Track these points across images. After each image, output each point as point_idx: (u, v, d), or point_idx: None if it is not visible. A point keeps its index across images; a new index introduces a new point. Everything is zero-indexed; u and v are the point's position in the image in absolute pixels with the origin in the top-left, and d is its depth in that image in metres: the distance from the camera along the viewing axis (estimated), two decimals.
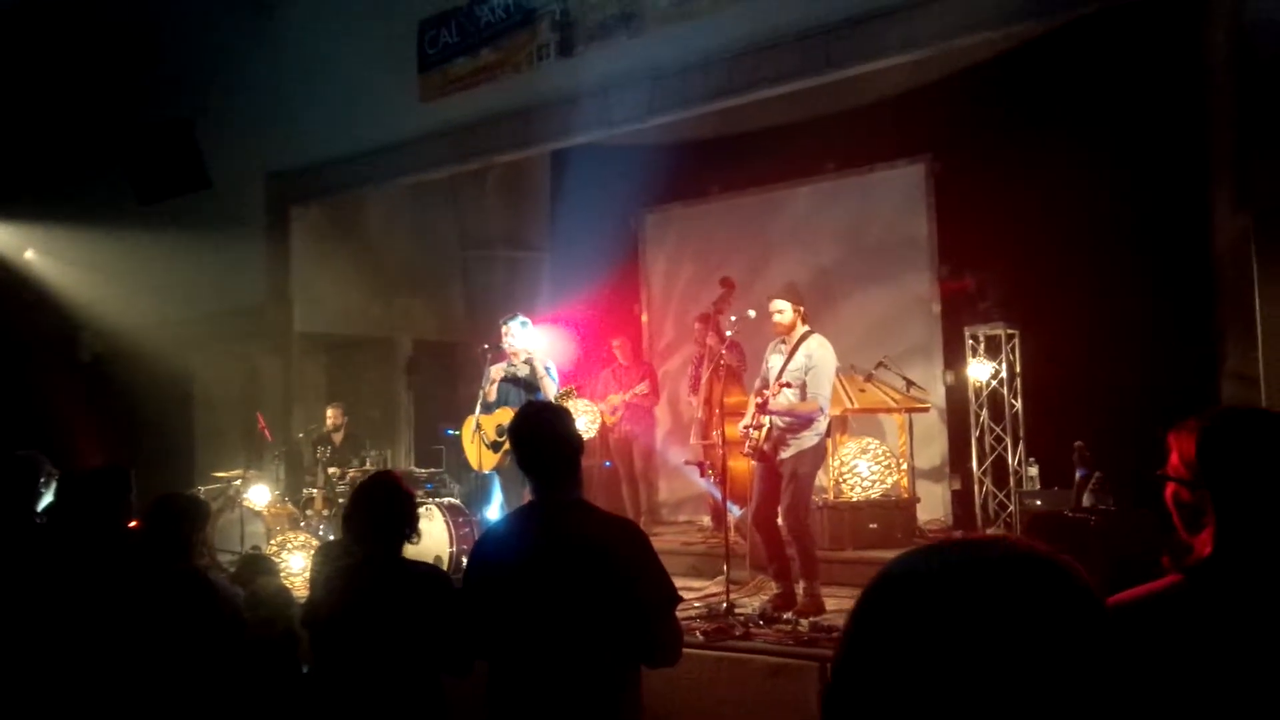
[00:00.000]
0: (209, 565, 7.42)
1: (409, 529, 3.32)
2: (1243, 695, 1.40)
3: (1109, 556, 4.41)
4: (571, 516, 2.73)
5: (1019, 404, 7.40)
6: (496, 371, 6.87)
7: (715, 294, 7.89)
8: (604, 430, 8.54)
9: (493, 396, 6.81)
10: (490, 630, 2.73)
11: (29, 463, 4.24)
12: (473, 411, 6.93)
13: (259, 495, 8.20)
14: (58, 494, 4.33)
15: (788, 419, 5.60)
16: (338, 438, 8.82)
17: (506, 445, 6.62)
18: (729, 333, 6.46)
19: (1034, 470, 6.98)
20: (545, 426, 2.82)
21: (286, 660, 4.18)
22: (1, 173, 10.62)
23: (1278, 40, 5.61)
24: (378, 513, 3.24)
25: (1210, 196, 6.83)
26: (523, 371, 6.78)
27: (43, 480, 4.28)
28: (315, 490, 8.24)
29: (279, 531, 7.89)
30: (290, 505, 8.41)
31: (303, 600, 4.40)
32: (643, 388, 8.33)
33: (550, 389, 6.65)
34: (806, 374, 5.57)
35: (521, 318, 6.92)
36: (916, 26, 6.33)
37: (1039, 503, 6.52)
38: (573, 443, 2.81)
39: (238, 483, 8.39)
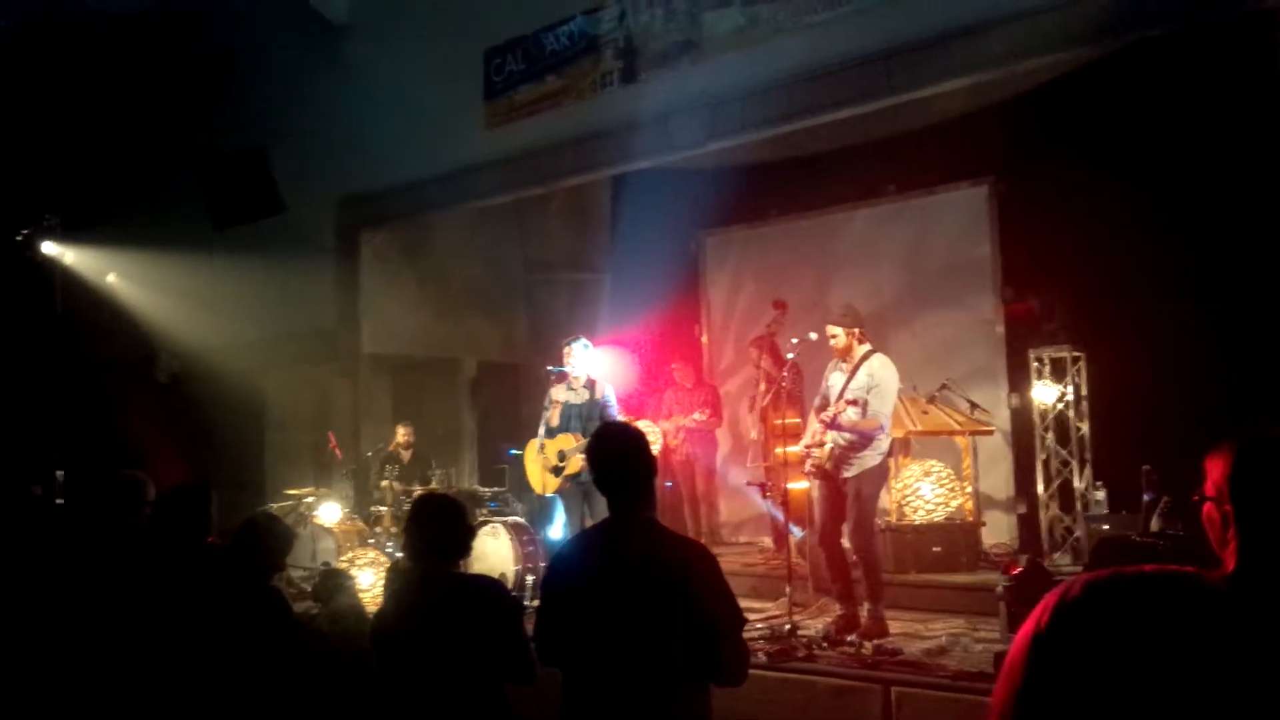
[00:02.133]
0: (284, 582, 7.62)
1: (462, 545, 3.42)
2: (1244, 706, 1.45)
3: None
4: (644, 535, 2.79)
5: (1086, 427, 7.31)
6: (557, 394, 6.96)
7: (771, 316, 7.96)
8: (666, 451, 8.61)
9: (555, 421, 6.91)
10: (564, 642, 2.81)
11: (134, 482, 4.44)
12: (535, 433, 7.04)
13: (329, 513, 8.39)
14: (150, 511, 4.50)
15: (849, 436, 5.62)
16: (406, 456, 9.00)
17: (567, 469, 6.71)
18: (789, 355, 6.50)
19: (1101, 494, 6.89)
20: (622, 447, 2.90)
21: (362, 678, 4.29)
22: (86, 198, 11.04)
23: None
24: (429, 530, 3.33)
25: None
26: (581, 397, 6.86)
27: (147, 499, 4.46)
28: (383, 508, 8.41)
29: (349, 548, 8.05)
30: (360, 522, 8.58)
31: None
32: (701, 414, 8.39)
33: (608, 415, 6.72)
34: (869, 393, 5.58)
35: (583, 340, 7.02)
36: (979, 50, 6.34)
37: (1106, 527, 6.43)
38: (647, 463, 2.88)
39: (309, 500, 8.59)
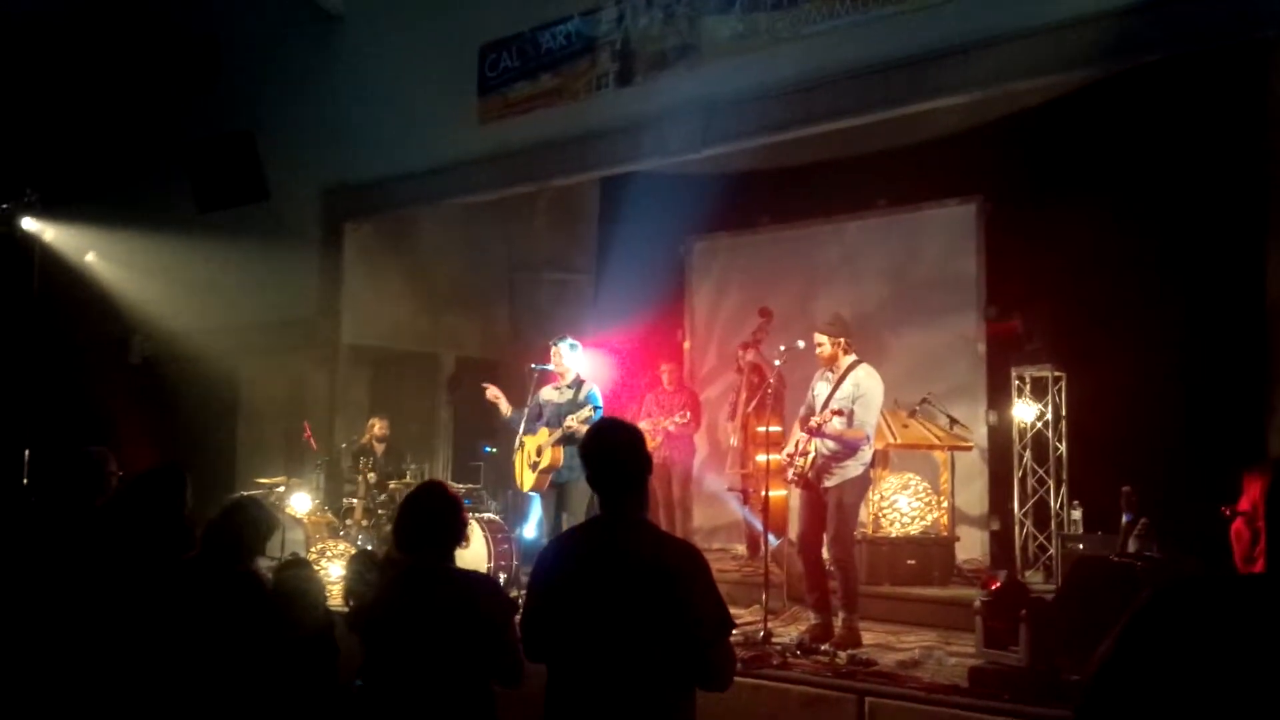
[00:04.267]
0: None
1: (459, 537, 3.37)
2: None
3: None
4: (635, 534, 2.76)
5: (1064, 447, 7.36)
6: (545, 394, 6.93)
7: (756, 324, 7.97)
8: None
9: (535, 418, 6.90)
10: (552, 639, 2.77)
11: (95, 459, 4.37)
12: (514, 431, 7.00)
13: (300, 503, 8.30)
14: (119, 491, 4.44)
15: (833, 445, 5.63)
16: (381, 449, 8.92)
17: (541, 464, 6.69)
18: (776, 362, 6.51)
19: (1077, 514, 6.93)
20: (619, 444, 2.87)
21: (323, 663, 4.22)
22: (68, 176, 10.89)
23: None
24: (429, 521, 3.28)
25: (1266, 245, 6.79)
26: (565, 396, 6.84)
27: (106, 477, 4.39)
28: (355, 500, 8.33)
29: (319, 540, 7.98)
30: (330, 514, 8.50)
31: (338, 609, 4.47)
32: (682, 417, 8.36)
33: (590, 413, 6.70)
34: (854, 402, 5.60)
35: (571, 340, 7.00)
36: (975, 68, 6.37)
37: (1082, 546, 6.48)
38: (641, 462, 2.85)
39: (280, 490, 8.50)
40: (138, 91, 11.28)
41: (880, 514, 7.32)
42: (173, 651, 3.61)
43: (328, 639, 4.24)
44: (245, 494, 6.73)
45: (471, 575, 3.58)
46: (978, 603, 4.97)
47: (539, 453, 6.75)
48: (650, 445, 8.41)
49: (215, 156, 10.08)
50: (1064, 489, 7.27)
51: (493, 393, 7.05)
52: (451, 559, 3.36)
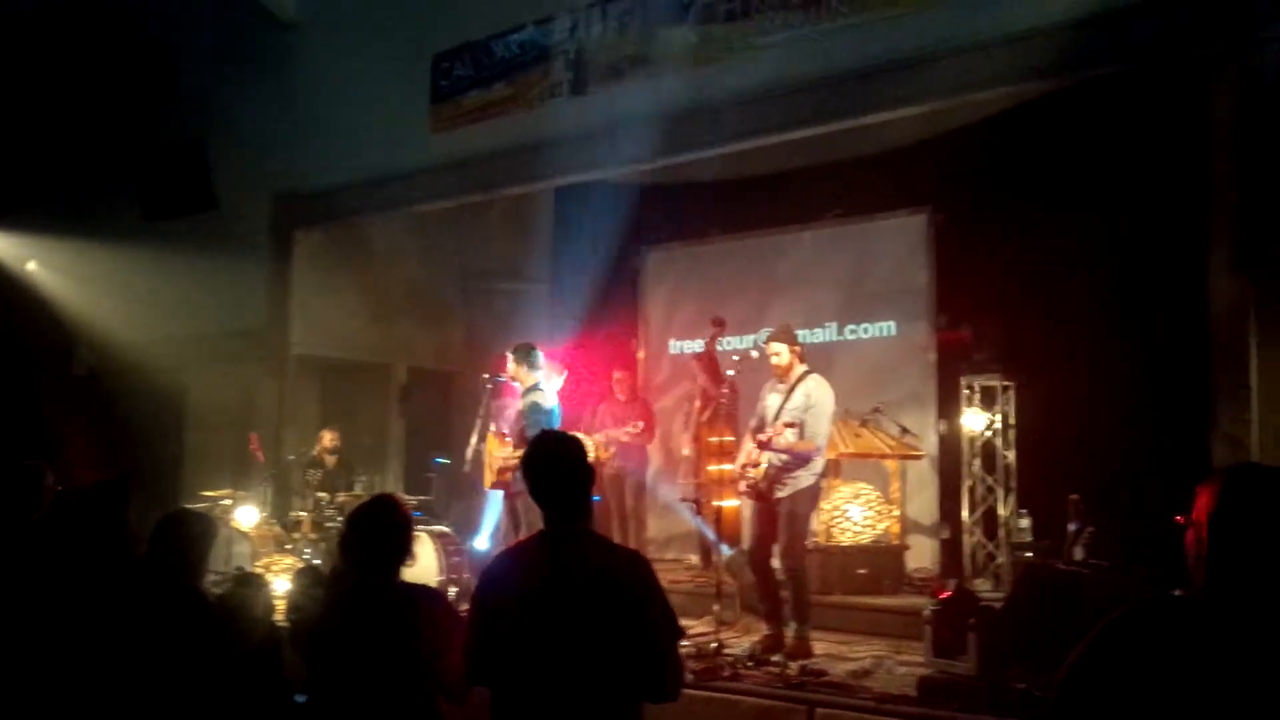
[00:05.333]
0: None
1: (407, 553, 3.32)
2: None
3: (1101, 611, 4.42)
4: (581, 546, 2.73)
5: (1012, 456, 7.44)
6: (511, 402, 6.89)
7: (710, 334, 7.97)
8: (596, 465, 8.53)
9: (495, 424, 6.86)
10: (496, 657, 2.72)
11: (32, 472, 4.26)
12: (466, 441, 6.94)
13: (246, 516, 8.15)
14: (55, 505, 4.33)
15: (785, 457, 5.63)
16: (331, 461, 8.80)
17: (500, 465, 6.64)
18: (730, 373, 6.51)
19: (1025, 522, 7.00)
20: (559, 456, 2.83)
21: (268, 679, 4.13)
22: (9, 183, 10.64)
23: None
24: (378, 536, 3.24)
25: (1209, 258, 6.93)
26: (525, 404, 6.79)
27: (43, 491, 4.28)
28: (304, 513, 8.21)
29: (265, 553, 7.84)
30: (277, 527, 8.36)
31: (284, 624, 4.37)
32: (635, 428, 8.35)
33: (543, 420, 6.66)
34: (805, 413, 5.61)
35: (529, 348, 6.94)
36: (927, 80, 6.42)
37: (1030, 554, 6.54)
38: (585, 473, 2.82)
39: (226, 502, 8.35)
40: (84, 98, 11.05)
41: (832, 523, 7.34)
42: (111, 669, 3.51)
43: (273, 654, 4.15)
44: (185, 507, 6.59)
45: (419, 590, 3.52)
46: (927, 612, 4.99)
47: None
48: (604, 456, 8.46)
49: (163, 165, 9.92)
50: (1012, 497, 7.35)
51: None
52: (398, 574, 3.32)
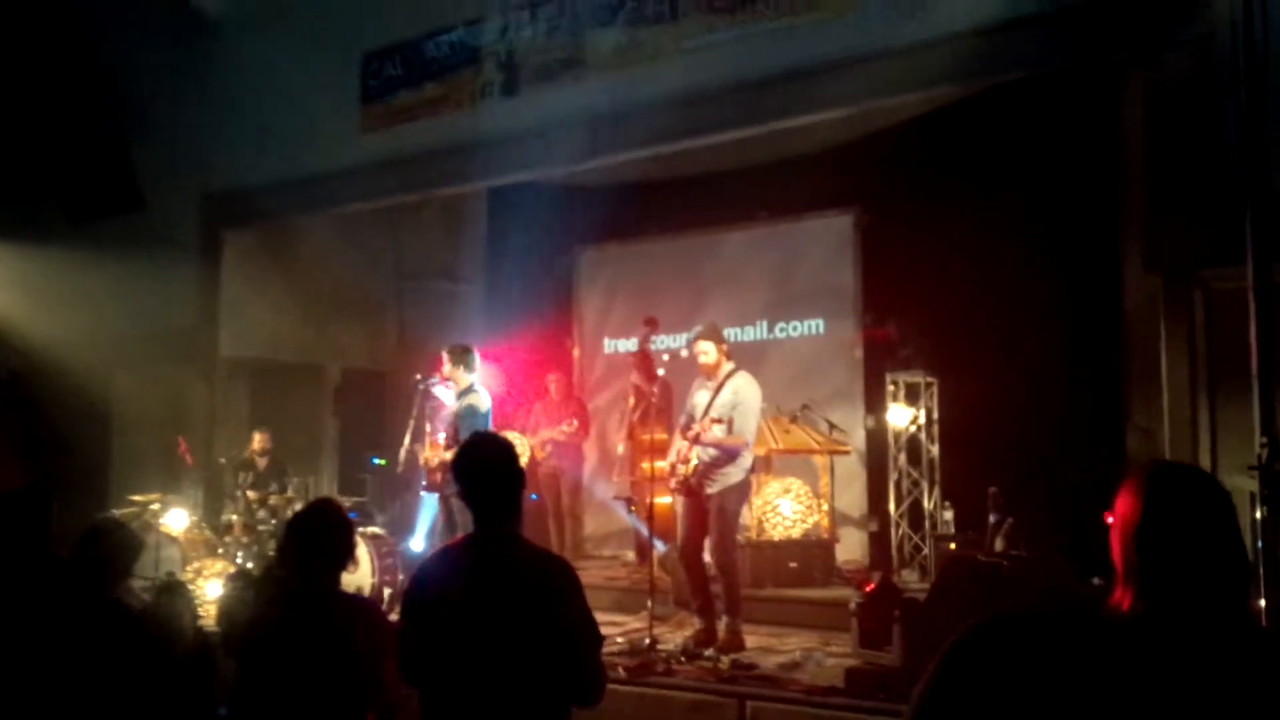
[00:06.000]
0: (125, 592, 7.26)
1: (348, 558, 3.30)
2: None
3: (1021, 601, 4.57)
4: (508, 550, 2.76)
5: (936, 450, 7.64)
6: (447, 399, 6.89)
7: (642, 333, 8.05)
8: (532, 464, 8.57)
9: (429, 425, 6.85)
10: (424, 659, 2.74)
11: None
12: (401, 442, 6.93)
13: (176, 520, 8.03)
14: None
15: (713, 453, 5.72)
16: (262, 463, 8.70)
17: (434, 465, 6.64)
18: (660, 371, 6.59)
19: (949, 514, 7.21)
20: (490, 459, 2.85)
21: (196, 689, 4.10)
22: None
23: (1185, 111, 5.95)
24: (320, 541, 3.21)
25: (1121, 257, 7.19)
26: (461, 406, 6.79)
27: None
28: (235, 516, 8.12)
29: (195, 558, 7.74)
30: (208, 531, 8.25)
31: (214, 631, 4.34)
32: (569, 426, 8.40)
33: (478, 423, 6.68)
34: (734, 410, 5.71)
35: (465, 349, 6.94)
36: (847, 84, 6.55)
37: (953, 546, 6.72)
38: (515, 477, 2.84)
39: (154, 507, 8.22)
40: (1, 97, 10.75)
41: (763, 518, 7.46)
42: (30, 682, 3.45)
43: (202, 663, 4.12)
44: (107, 515, 6.48)
45: (355, 600, 3.52)
46: (853, 604, 5.12)
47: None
48: (540, 455, 8.50)
49: (86, 163, 9.69)
50: (937, 490, 7.55)
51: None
52: (338, 580, 3.30)
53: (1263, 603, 3.90)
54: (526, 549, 2.82)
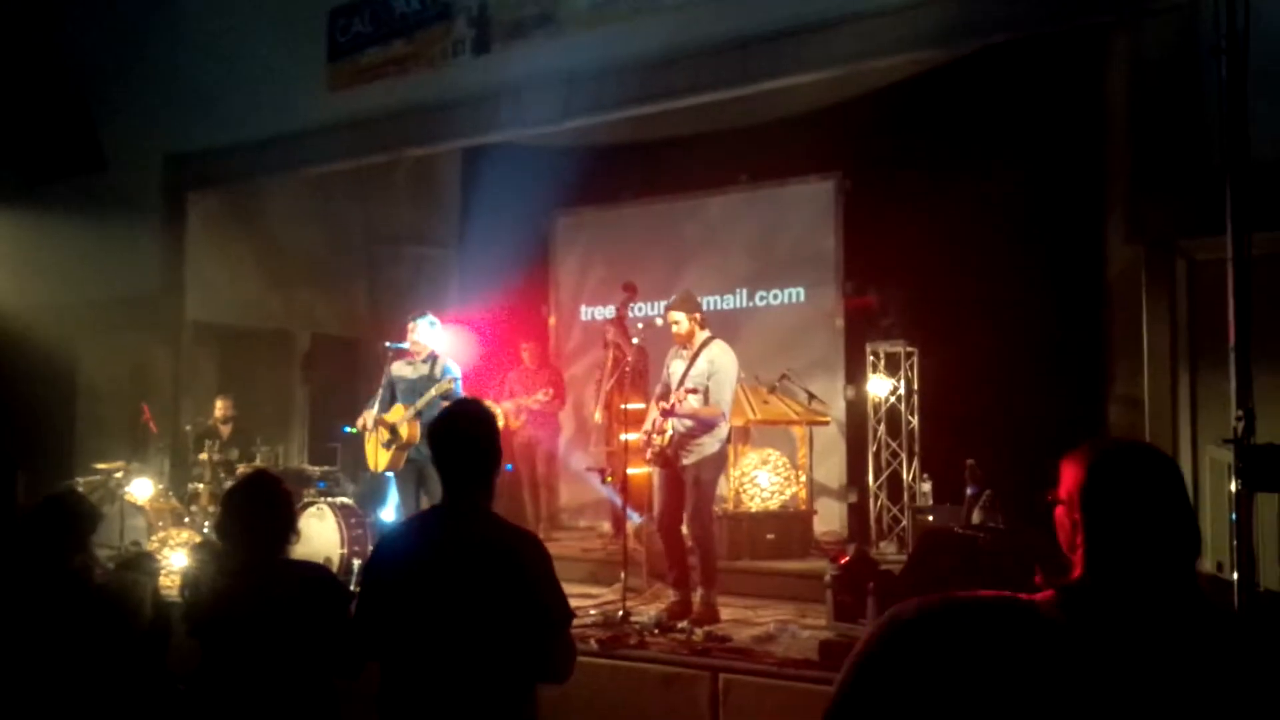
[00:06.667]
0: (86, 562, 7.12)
1: (288, 530, 3.22)
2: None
3: (996, 574, 4.51)
4: (476, 523, 2.67)
5: (915, 421, 7.55)
6: (396, 369, 6.74)
7: (621, 299, 7.90)
8: (507, 433, 8.44)
9: (390, 396, 6.70)
10: (385, 633, 2.64)
11: None
12: (370, 408, 6.77)
13: (141, 489, 7.89)
14: None
15: (690, 423, 5.61)
16: (226, 430, 8.53)
17: (398, 442, 6.50)
18: (635, 340, 6.46)
19: (927, 486, 7.13)
20: (470, 427, 2.73)
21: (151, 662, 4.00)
22: None
23: (1168, 81, 5.84)
24: (254, 516, 3.14)
25: (1105, 227, 7.09)
26: (419, 371, 6.65)
27: None
28: (201, 485, 7.97)
29: (161, 527, 7.60)
30: (174, 500, 8.10)
31: (176, 602, 4.22)
32: (545, 395, 8.27)
33: (450, 385, 6.53)
34: (709, 379, 5.59)
35: (431, 317, 6.81)
36: (832, 45, 6.40)
37: (931, 518, 6.65)
38: (491, 449, 2.73)
39: (119, 475, 8.06)
40: None
41: (741, 489, 7.37)
42: None
43: (157, 634, 4.00)
44: (65, 485, 6.32)
45: (305, 567, 3.43)
46: (828, 577, 5.04)
47: (393, 430, 6.54)
48: (515, 425, 8.36)
49: (45, 123, 9.41)
50: (916, 462, 7.47)
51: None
52: (283, 552, 3.21)
53: (1235, 575, 3.88)
54: (492, 522, 2.72)
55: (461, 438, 2.72)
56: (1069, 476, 1.65)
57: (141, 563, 5.17)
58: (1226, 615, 1.68)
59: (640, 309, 8.47)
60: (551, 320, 9.93)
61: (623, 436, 6.57)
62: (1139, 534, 1.57)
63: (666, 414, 5.62)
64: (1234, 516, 3.91)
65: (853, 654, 1.53)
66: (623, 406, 6.94)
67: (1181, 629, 1.52)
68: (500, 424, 8.20)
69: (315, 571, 3.43)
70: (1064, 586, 1.59)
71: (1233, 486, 3.89)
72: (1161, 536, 1.57)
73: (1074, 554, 1.62)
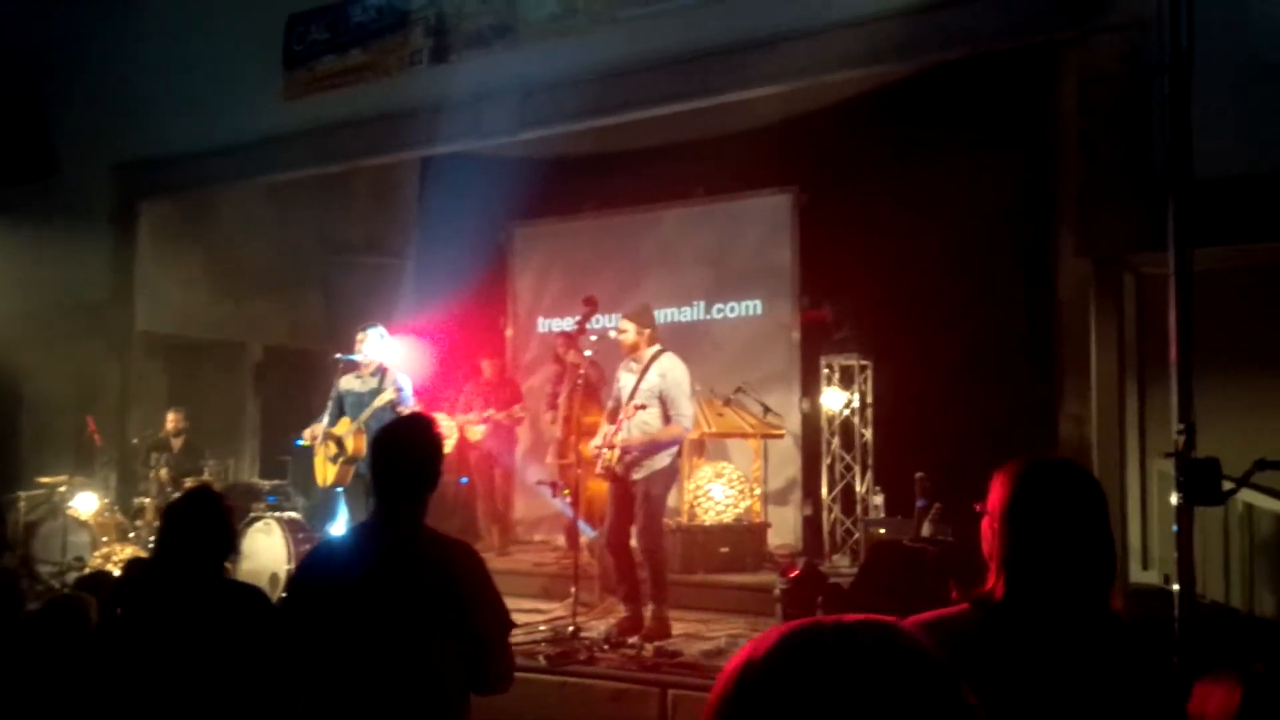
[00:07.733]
0: (19, 572, 6.97)
1: (230, 548, 3.17)
2: None
3: (944, 587, 4.51)
4: (408, 537, 2.62)
5: (869, 434, 7.57)
6: (345, 382, 6.66)
7: (580, 313, 7.85)
8: (463, 446, 8.36)
9: (338, 410, 6.62)
10: (313, 655, 2.58)
11: None
12: (320, 421, 6.68)
13: (85, 503, 7.73)
14: None
15: (641, 437, 5.55)
16: (177, 443, 8.37)
17: (344, 456, 6.42)
18: (588, 352, 6.42)
19: (879, 499, 7.14)
20: (408, 442, 2.70)
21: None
22: None
23: (1116, 98, 5.91)
24: (195, 532, 3.05)
25: (1057, 241, 7.16)
26: (368, 385, 6.56)
27: None
28: (148, 500, 7.81)
29: (105, 543, 7.45)
30: (119, 515, 7.94)
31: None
32: (522, 410, 8.27)
33: (399, 401, 6.46)
34: (661, 394, 5.54)
35: (380, 329, 6.74)
36: (789, 59, 6.43)
37: (883, 531, 6.66)
38: (431, 466, 2.70)
39: (63, 489, 7.88)
40: None
41: (695, 503, 7.34)
42: None
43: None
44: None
45: (240, 587, 3.35)
46: (778, 590, 5.02)
47: (340, 444, 6.45)
48: (474, 437, 8.27)
49: None
50: (869, 474, 7.48)
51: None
52: (219, 571, 3.15)
53: (1176, 587, 3.90)
54: (425, 535, 2.68)
55: (403, 451, 2.69)
56: (996, 490, 1.68)
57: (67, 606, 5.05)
58: (1134, 634, 1.69)
59: (597, 321, 8.43)
60: (508, 332, 9.87)
61: (581, 448, 6.51)
62: (1054, 550, 1.59)
63: (628, 465, 5.54)
64: (1176, 528, 3.93)
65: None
66: (585, 419, 6.89)
67: (1086, 646, 1.53)
68: (455, 438, 8.19)
69: (248, 594, 3.36)
70: (977, 600, 1.59)
71: (1174, 499, 3.92)
72: (1076, 554, 1.59)
73: (992, 563, 1.64)
